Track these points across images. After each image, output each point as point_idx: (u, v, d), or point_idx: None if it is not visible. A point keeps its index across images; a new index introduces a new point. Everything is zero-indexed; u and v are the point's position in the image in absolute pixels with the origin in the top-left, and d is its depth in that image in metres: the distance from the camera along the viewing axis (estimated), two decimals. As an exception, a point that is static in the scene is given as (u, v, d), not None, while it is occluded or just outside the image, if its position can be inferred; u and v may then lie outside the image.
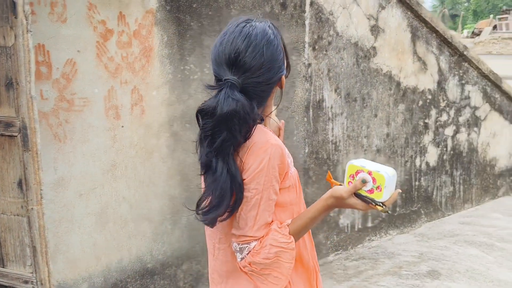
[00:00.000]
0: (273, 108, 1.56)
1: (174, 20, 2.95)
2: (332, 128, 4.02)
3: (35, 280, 2.48)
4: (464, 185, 5.35)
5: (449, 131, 5.06)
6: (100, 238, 2.84)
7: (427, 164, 4.91)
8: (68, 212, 2.72)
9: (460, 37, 31.36)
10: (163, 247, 3.08)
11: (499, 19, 34.78)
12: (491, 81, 5.32)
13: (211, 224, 1.36)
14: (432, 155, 4.93)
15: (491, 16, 39.41)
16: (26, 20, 2.28)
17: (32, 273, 2.49)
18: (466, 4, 60.30)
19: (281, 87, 1.47)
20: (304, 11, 3.66)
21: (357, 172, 1.40)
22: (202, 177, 1.42)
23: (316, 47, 3.78)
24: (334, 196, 1.39)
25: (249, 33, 1.34)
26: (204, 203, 1.35)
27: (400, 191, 1.49)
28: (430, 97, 4.78)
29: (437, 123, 4.92)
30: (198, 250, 3.24)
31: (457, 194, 5.28)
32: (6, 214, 2.51)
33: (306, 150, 3.76)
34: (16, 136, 2.39)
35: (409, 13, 4.41)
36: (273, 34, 1.38)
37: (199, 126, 1.35)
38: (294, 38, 3.63)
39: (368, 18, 4.12)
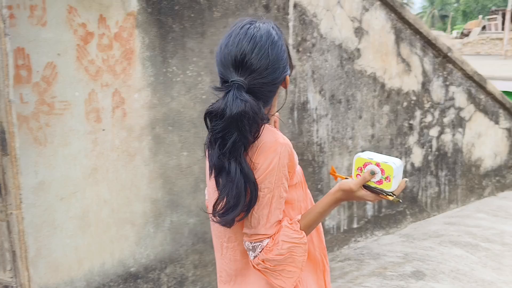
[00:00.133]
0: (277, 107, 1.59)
1: (155, 22, 2.94)
2: (317, 130, 4.03)
3: (15, 285, 2.46)
4: (449, 185, 5.39)
5: (434, 132, 5.09)
6: (82, 242, 2.83)
7: (412, 165, 4.94)
8: (50, 216, 2.71)
9: (449, 38, 31.58)
10: (146, 251, 3.07)
11: (488, 19, 35.07)
12: (476, 82, 5.36)
13: (229, 224, 1.39)
14: (417, 156, 4.96)
15: (480, 16, 39.69)
16: (4, 23, 2.26)
17: (12, 277, 2.47)
18: (455, 5, 60.66)
19: (285, 87, 1.50)
20: (287, 13, 3.66)
21: (365, 165, 1.44)
22: (210, 181, 1.45)
23: (300, 49, 3.79)
24: (343, 189, 1.43)
25: (254, 35, 1.36)
26: (220, 205, 1.37)
27: (407, 179, 1.54)
28: (414, 98, 4.81)
29: (422, 124, 4.95)
30: (181, 253, 3.23)
31: (442, 194, 5.31)
32: (-15, 219, 2.50)
33: (291, 152, 3.75)
34: (-6, 140, 2.37)
35: (392, 15, 4.43)
36: (277, 35, 1.41)
37: (207, 128, 1.37)
38: (278, 40, 3.62)
39: (352, 20, 4.14)
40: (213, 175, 1.38)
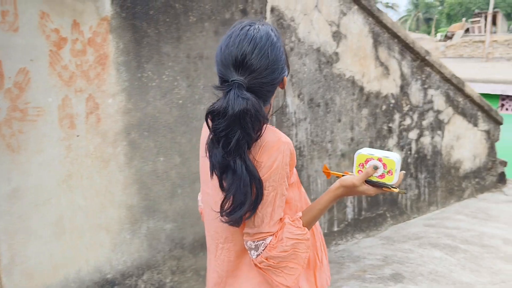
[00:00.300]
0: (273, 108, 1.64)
1: (130, 27, 2.93)
2: (296, 134, 4.04)
3: (-13, 294, 2.43)
4: (429, 187, 5.43)
5: (413, 134, 5.13)
6: (57, 249, 2.80)
7: (392, 167, 4.96)
8: (24, 223, 2.68)
9: (433, 41, 31.85)
10: (122, 257, 3.05)
11: (472, 22, 35.42)
12: (454, 85, 5.42)
13: (237, 223, 1.41)
14: (397, 159, 4.99)
15: (464, 19, 40.12)
16: (-27, 29, 2.24)
17: (-16, 286, 2.44)
18: (440, 8, 61.27)
19: (282, 87, 1.53)
20: (265, 18, 3.67)
21: (366, 161, 1.51)
22: (211, 181, 1.47)
23: (278, 54, 3.79)
24: (344, 185, 1.49)
25: (254, 36, 1.39)
26: (227, 204, 1.39)
27: (405, 172, 1.63)
28: (393, 101, 4.85)
29: (401, 127, 4.99)
30: (159, 259, 3.22)
31: (422, 196, 5.35)
32: (-44, 227, 2.46)
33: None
34: (-36, 147, 2.34)
35: (370, 19, 4.47)
36: (275, 36, 1.44)
37: (209, 128, 1.38)
38: (255, 45, 3.63)
39: (330, 25, 4.16)
40: (214, 175, 1.40)
